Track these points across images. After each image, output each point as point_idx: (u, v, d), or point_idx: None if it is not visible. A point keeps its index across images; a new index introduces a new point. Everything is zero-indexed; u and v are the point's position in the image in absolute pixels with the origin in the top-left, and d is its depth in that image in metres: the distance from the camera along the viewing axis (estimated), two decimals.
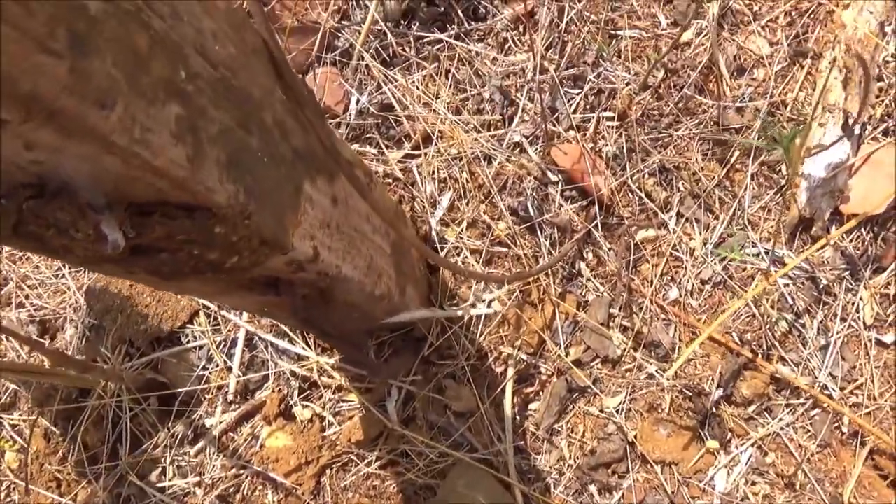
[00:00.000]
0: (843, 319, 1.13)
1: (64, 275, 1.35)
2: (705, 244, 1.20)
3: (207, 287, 0.67)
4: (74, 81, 0.34)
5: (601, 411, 1.14)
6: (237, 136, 0.52)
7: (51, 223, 0.41)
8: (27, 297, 1.36)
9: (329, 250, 0.71)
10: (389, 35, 1.34)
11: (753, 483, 1.08)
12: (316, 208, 0.68)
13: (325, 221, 0.70)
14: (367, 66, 1.33)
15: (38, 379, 1.13)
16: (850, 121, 1.14)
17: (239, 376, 1.19)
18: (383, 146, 1.30)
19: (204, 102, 0.47)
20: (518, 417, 1.14)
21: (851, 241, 1.16)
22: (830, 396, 1.10)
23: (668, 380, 1.09)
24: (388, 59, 1.34)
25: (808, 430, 1.10)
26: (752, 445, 1.10)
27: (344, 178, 0.75)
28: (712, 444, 1.10)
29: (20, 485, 1.28)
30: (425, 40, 1.34)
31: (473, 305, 1.13)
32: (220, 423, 1.17)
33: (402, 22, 1.35)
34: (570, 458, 1.11)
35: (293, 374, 1.19)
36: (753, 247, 1.18)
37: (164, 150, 0.41)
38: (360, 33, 1.33)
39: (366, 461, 1.11)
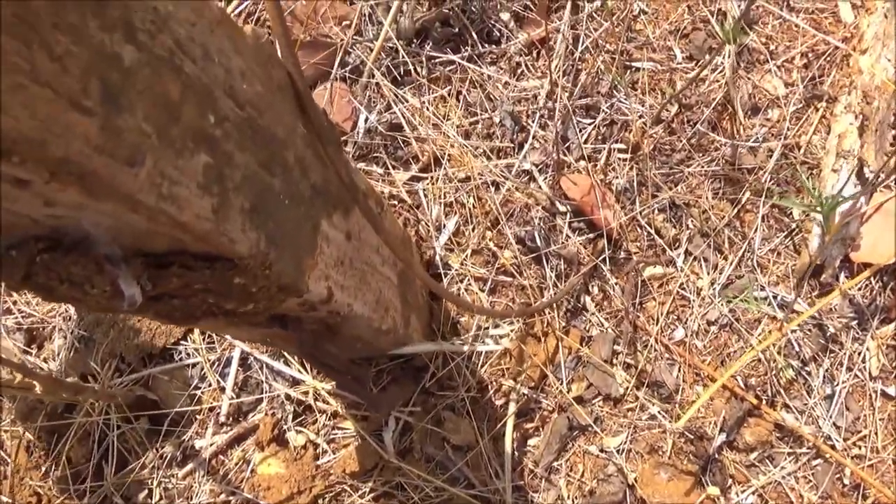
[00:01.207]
0: (849, 369, 1.12)
1: None
2: (713, 284, 1.18)
3: (218, 325, 0.64)
4: (105, 140, 0.31)
5: (601, 451, 1.11)
6: (261, 179, 0.49)
7: (63, 277, 0.38)
8: (14, 303, 1.32)
9: (342, 289, 0.68)
10: (401, 53, 1.31)
11: None
12: (331, 246, 0.65)
13: (339, 259, 0.67)
14: (377, 83, 1.30)
15: (22, 393, 1.09)
16: (865, 169, 1.13)
17: (232, 397, 1.16)
18: (390, 166, 1.28)
19: (231, 147, 0.44)
20: (517, 454, 1.11)
21: (860, 289, 1.15)
22: (833, 447, 1.08)
23: (675, 426, 1.07)
24: (398, 77, 1.32)
25: (810, 481, 1.08)
26: (753, 493, 1.08)
27: (358, 212, 0.73)
28: (713, 490, 1.08)
29: (2, 499, 1.24)
30: (437, 61, 1.32)
31: (478, 339, 1.11)
32: (211, 445, 1.13)
33: (415, 41, 1.33)
34: (568, 498, 1.09)
35: (288, 397, 1.16)
36: (762, 290, 1.16)
37: (191, 203, 0.39)
38: (371, 50, 1.30)
39: (359, 493, 1.08)
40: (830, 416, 1.09)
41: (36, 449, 1.21)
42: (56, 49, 0.28)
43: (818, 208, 0.85)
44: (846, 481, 1.08)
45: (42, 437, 1.22)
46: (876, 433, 1.09)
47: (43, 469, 1.20)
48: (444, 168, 1.26)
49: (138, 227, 0.38)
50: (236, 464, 1.12)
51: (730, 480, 1.09)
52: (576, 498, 1.08)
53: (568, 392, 1.15)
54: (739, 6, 1.31)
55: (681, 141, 1.26)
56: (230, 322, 0.61)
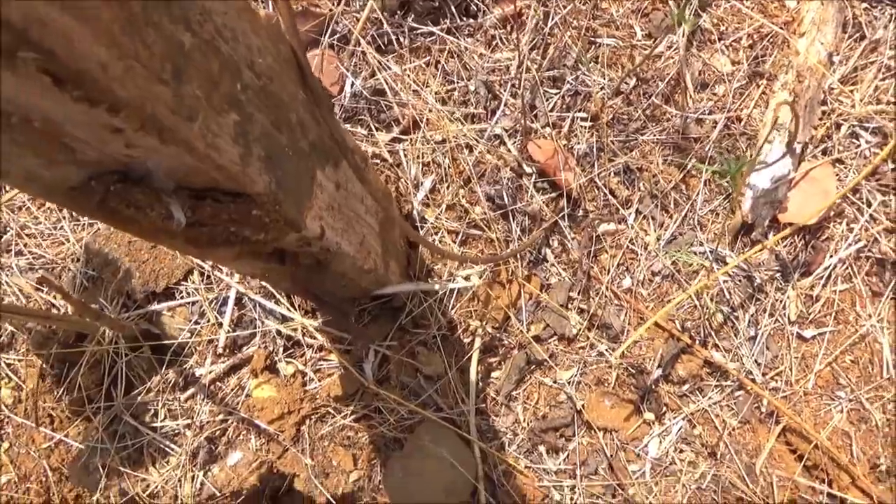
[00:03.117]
0: (772, 315, 1.28)
1: (63, 226, 1.43)
2: (658, 240, 1.33)
3: (229, 254, 0.77)
4: (175, 103, 0.44)
5: (555, 382, 1.28)
6: (272, 135, 0.62)
7: (131, 203, 0.51)
8: (26, 245, 1.44)
9: (332, 229, 0.82)
10: (385, 24, 1.43)
11: (681, 451, 1.24)
12: (324, 193, 0.79)
13: (330, 204, 0.81)
14: (363, 52, 1.42)
15: (39, 322, 1.22)
16: (797, 142, 1.28)
17: (228, 332, 1.30)
18: (373, 128, 1.41)
19: (252, 109, 0.57)
20: (481, 383, 1.27)
21: (786, 246, 1.31)
22: (754, 380, 1.25)
23: (616, 359, 1.23)
24: (382, 46, 1.43)
25: (732, 409, 1.25)
26: (683, 419, 1.25)
27: (346, 165, 0.86)
28: (649, 416, 1.25)
29: (14, 419, 1.37)
30: (418, 32, 1.44)
31: (450, 280, 1.25)
32: (210, 373, 1.27)
33: (399, 13, 1.45)
34: (524, 421, 1.25)
35: (279, 333, 1.30)
36: (700, 246, 1.32)
37: (227, 151, 0.52)
38: (358, 20, 1.41)
39: (342, 414, 1.24)
40: (753, 355, 1.26)
41: (49, 376, 1.35)
42: (147, 40, 0.41)
43: (728, 171, 1.00)
44: (763, 409, 1.25)
45: (55, 366, 1.35)
46: (791, 369, 1.26)
47: (56, 394, 1.33)
48: (423, 131, 1.39)
49: (187, 167, 0.51)
50: (232, 389, 1.27)
51: (664, 408, 1.26)
52: (530, 421, 1.25)
53: (527, 332, 1.30)
54: None
55: (637, 112, 1.40)
56: (240, 253, 0.75)
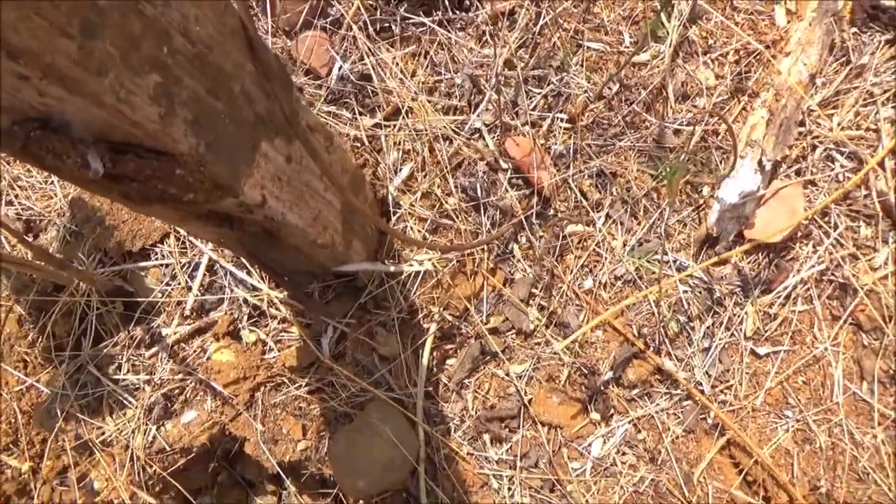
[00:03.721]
0: (728, 328, 1.29)
1: (53, 182, 1.48)
2: (625, 245, 1.35)
3: (171, 214, 0.81)
4: (81, 57, 0.48)
5: (507, 375, 1.30)
6: (205, 101, 0.66)
7: (49, 149, 0.55)
8: (17, 196, 1.50)
9: (277, 199, 0.85)
10: (379, 11, 1.46)
11: (623, 453, 1.26)
12: (270, 164, 0.82)
13: (276, 175, 0.84)
14: (354, 36, 1.45)
15: (18, 269, 1.27)
16: (764, 159, 1.29)
17: (197, 296, 1.34)
18: (357, 112, 1.44)
19: (180, 73, 0.61)
20: (435, 369, 1.30)
21: (749, 263, 1.32)
22: (702, 392, 1.27)
23: (561, 350, 1.26)
24: (374, 33, 1.46)
25: (678, 417, 1.27)
26: (629, 422, 1.27)
27: (299, 140, 0.89)
28: (595, 416, 1.27)
29: None
30: (410, 21, 1.47)
31: (407, 263, 1.29)
32: (175, 333, 1.32)
33: (392, 1, 1.48)
34: (472, 409, 1.28)
35: (246, 301, 1.34)
36: (665, 254, 1.34)
37: (142, 108, 0.55)
38: (352, 6, 1.45)
39: (296, 385, 1.28)
40: (704, 366, 1.28)
41: (26, 322, 1.40)
42: None
43: (664, 175, 1.02)
44: (709, 421, 1.27)
45: (31, 313, 1.41)
46: (741, 384, 1.27)
47: (30, 339, 1.39)
48: (405, 118, 1.42)
49: (102, 120, 0.54)
50: (194, 351, 1.31)
51: (612, 410, 1.28)
52: (478, 409, 1.28)
53: (486, 323, 1.33)
54: (687, 1, 1.45)
55: (617, 117, 1.41)
56: (180, 213, 0.78)
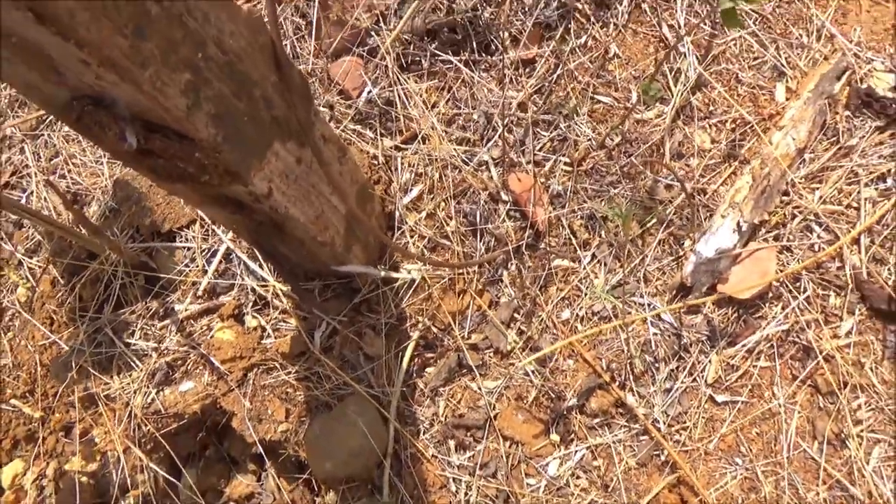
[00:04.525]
0: (690, 373, 1.38)
1: (103, 162, 1.65)
2: (605, 284, 1.45)
3: (191, 194, 0.95)
4: (131, 52, 0.62)
5: (479, 388, 1.40)
6: (229, 100, 0.80)
7: (96, 122, 0.69)
8: (69, 171, 1.67)
9: (283, 194, 0.99)
10: (412, 46, 1.61)
11: (578, 476, 1.34)
12: (280, 161, 0.96)
13: (284, 172, 0.97)
14: (386, 65, 1.60)
15: (60, 233, 1.43)
16: (741, 221, 1.38)
17: (211, 279, 1.48)
18: (379, 133, 1.58)
19: (209, 76, 0.75)
20: (413, 374, 1.41)
21: (719, 315, 1.40)
22: (659, 429, 1.35)
23: (531, 372, 1.35)
24: (404, 64, 1.61)
25: (633, 450, 1.35)
26: (587, 448, 1.35)
27: (311, 146, 1.03)
28: (555, 437, 1.36)
29: (23, 315, 1.58)
30: (439, 58, 1.61)
31: (395, 270, 1.41)
32: (186, 310, 1.45)
33: (425, 38, 1.63)
34: (442, 415, 1.38)
35: (253, 290, 1.47)
36: (641, 297, 1.43)
37: (173, 98, 0.69)
38: (388, 37, 1.60)
39: (286, 371, 1.39)
40: (664, 405, 1.36)
41: (58, 283, 1.56)
42: (119, 3, 0.59)
43: (619, 214, 1.13)
44: (662, 458, 1.34)
45: (64, 276, 1.56)
46: (696, 426, 1.35)
47: (59, 299, 1.54)
48: (421, 144, 1.56)
49: (141, 102, 0.68)
50: (200, 328, 1.44)
51: (572, 435, 1.37)
52: (447, 416, 1.37)
53: (467, 339, 1.43)
54: (694, 69, 1.56)
55: (615, 166, 1.53)
56: (199, 194, 0.92)
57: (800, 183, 1.46)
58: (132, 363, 1.42)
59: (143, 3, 0.62)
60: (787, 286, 1.40)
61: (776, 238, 1.44)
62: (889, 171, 1.45)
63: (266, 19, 0.86)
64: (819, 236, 1.43)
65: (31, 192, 1.65)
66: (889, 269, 1.40)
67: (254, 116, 0.86)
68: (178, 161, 0.77)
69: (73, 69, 0.63)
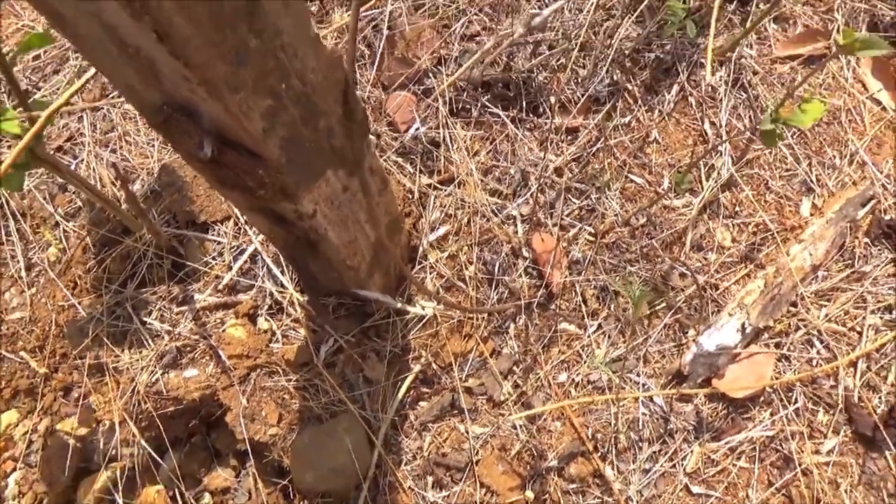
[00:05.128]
0: (671, 459, 1.41)
1: (154, 145, 1.73)
2: (605, 356, 1.50)
3: (242, 201, 1.01)
4: (228, 77, 0.69)
5: (466, 432, 1.44)
6: (298, 126, 0.86)
7: (179, 129, 0.76)
8: (121, 147, 1.75)
9: (325, 217, 1.05)
10: (465, 94, 1.69)
11: None
12: (328, 187, 1.02)
13: (330, 198, 1.04)
14: (437, 108, 1.68)
15: (103, 204, 1.49)
16: (747, 323, 1.43)
17: (234, 276, 1.54)
18: (419, 169, 1.65)
19: (287, 103, 0.81)
20: (407, 405, 1.45)
21: (709, 408, 1.44)
22: None
23: (519, 427, 1.39)
24: (454, 109, 1.69)
25: None
26: None
27: (358, 177, 1.09)
28: (530, 495, 1.39)
29: (49, 273, 1.65)
30: (488, 110, 1.69)
31: (410, 304, 1.46)
32: (205, 301, 1.51)
33: (479, 89, 1.70)
34: (426, 450, 1.42)
35: (271, 294, 1.53)
36: (638, 376, 1.47)
37: (253, 121, 0.76)
38: (445, 81, 1.68)
39: (286, 377, 1.44)
40: (640, 484, 1.39)
41: (90, 251, 1.62)
42: (225, 33, 0.66)
43: (635, 294, 1.18)
44: None
45: (96, 245, 1.63)
46: None
47: (87, 266, 1.61)
48: (455, 188, 1.62)
49: (224, 119, 0.75)
50: (214, 321, 1.50)
51: (546, 495, 1.40)
52: (431, 452, 1.42)
53: (464, 381, 1.48)
54: (728, 169, 1.63)
55: (636, 245, 1.58)
56: (249, 202, 0.99)
57: (809, 298, 1.51)
58: (145, 341, 1.47)
59: (246, 35, 0.69)
60: (779, 394, 1.44)
61: (777, 346, 1.48)
62: None
63: (344, 58, 0.93)
64: (819, 352, 1.47)
65: (82, 161, 1.73)
66: (880, 398, 1.44)
67: (316, 144, 0.93)
68: (242, 174, 0.84)
69: (174, 81, 0.70)
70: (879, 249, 1.56)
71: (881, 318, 1.50)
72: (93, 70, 1.14)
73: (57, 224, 1.70)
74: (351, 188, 1.10)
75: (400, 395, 1.42)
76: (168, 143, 0.84)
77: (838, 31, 1.80)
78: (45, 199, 1.72)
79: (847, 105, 1.72)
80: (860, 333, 1.49)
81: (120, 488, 1.50)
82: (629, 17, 1.72)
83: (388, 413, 1.42)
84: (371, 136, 1.67)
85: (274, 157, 0.83)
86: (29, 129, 1.03)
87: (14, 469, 1.61)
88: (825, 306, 1.51)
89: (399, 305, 1.43)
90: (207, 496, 1.56)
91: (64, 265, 1.65)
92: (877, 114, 1.72)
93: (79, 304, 1.59)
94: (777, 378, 1.44)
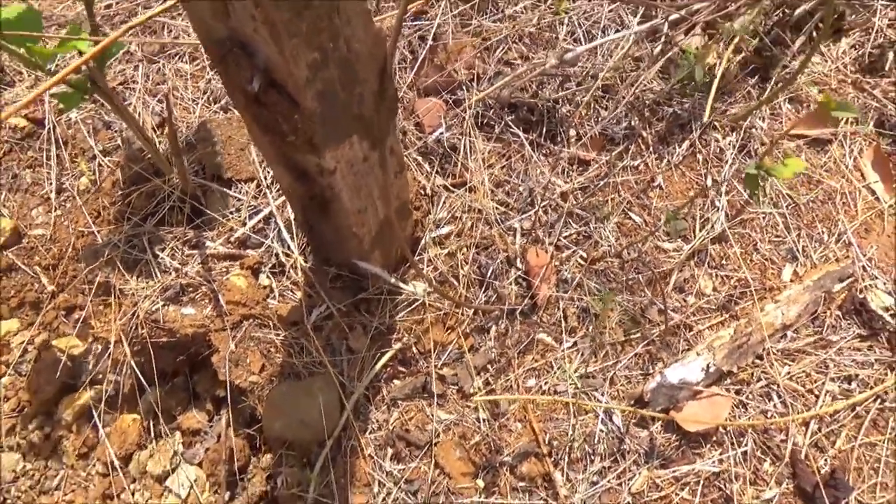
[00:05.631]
0: (619, 477, 1.48)
1: (198, 102, 1.86)
2: (576, 371, 1.58)
3: (271, 149, 1.12)
4: (289, 24, 0.80)
5: (432, 415, 1.52)
6: (335, 85, 0.98)
7: (236, 62, 0.87)
8: (167, 95, 1.87)
9: (343, 178, 1.16)
10: (492, 111, 1.81)
11: None
12: (351, 151, 1.13)
13: (350, 162, 1.15)
14: (463, 118, 1.80)
15: (142, 143, 1.61)
16: (712, 364, 1.51)
17: (246, 232, 1.64)
18: (436, 170, 1.76)
19: (330, 62, 0.93)
20: (382, 380, 1.54)
21: (663, 438, 1.52)
22: None
23: (475, 399, 1.48)
24: (479, 122, 1.81)
25: None
26: None
27: (379, 152, 1.20)
28: (480, 483, 1.46)
29: (77, 201, 1.76)
30: (510, 129, 1.81)
31: (403, 282, 1.56)
32: (215, 248, 1.62)
33: (506, 108, 1.83)
34: (391, 424, 1.50)
35: (277, 255, 1.63)
36: (602, 395, 1.56)
37: (299, 68, 0.87)
38: (475, 96, 1.81)
39: (275, 331, 1.54)
40: (585, 494, 1.46)
41: (118, 185, 1.74)
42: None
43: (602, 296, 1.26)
44: None
45: (126, 181, 1.74)
46: None
47: (113, 199, 1.72)
48: (466, 193, 1.73)
49: (277, 60, 0.86)
50: (220, 268, 1.60)
51: (496, 487, 1.47)
52: (395, 426, 1.50)
53: (439, 369, 1.57)
54: (721, 224, 1.73)
55: (623, 277, 1.68)
56: (277, 150, 1.10)
57: (775, 354, 1.59)
58: (153, 273, 1.57)
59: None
60: (731, 436, 1.52)
61: (737, 392, 1.56)
62: (856, 375, 1.58)
63: (388, 41, 1.05)
64: (775, 405, 1.55)
65: (130, 104, 1.85)
66: (826, 460, 1.51)
67: (347, 107, 1.04)
68: (278, 117, 0.95)
69: (241, 18, 0.82)
70: (849, 324, 1.65)
71: (839, 386, 1.58)
72: (155, 8, 1.26)
73: (94, 157, 1.81)
74: (370, 160, 1.21)
75: (377, 367, 1.51)
76: (221, 78, 0.95)
77: (847, 121, 1.91)
78: (88, 132, 1.84)
79: (843, 189, 1.83)
80: (817, 396, 1.56)
81: (101, 409, 1.59)
82: (654, 68, 1.85)
83: (363, 381, 1.50)
84: (398, 125, 1.79)
85: (310, 106, 0.95)
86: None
87: (4, 374, 1.70)
88: (788, 365, 1.59)
89: (393, 281, 1.53)
90: (178, 434, 1.64)
91: (92, 195, 1.76)
92: (870, 202, 1.82)
93: (98, 232, 1.70)
94: (732, 420, 1.52)
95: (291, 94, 0.93)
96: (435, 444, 1.49)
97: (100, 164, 1.80)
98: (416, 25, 1.91)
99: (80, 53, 1.22)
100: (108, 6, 2.05)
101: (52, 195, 1.78)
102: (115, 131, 1.84)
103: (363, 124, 1.11)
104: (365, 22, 0.96)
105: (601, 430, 1.52)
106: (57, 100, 1.21)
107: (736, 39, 1.84)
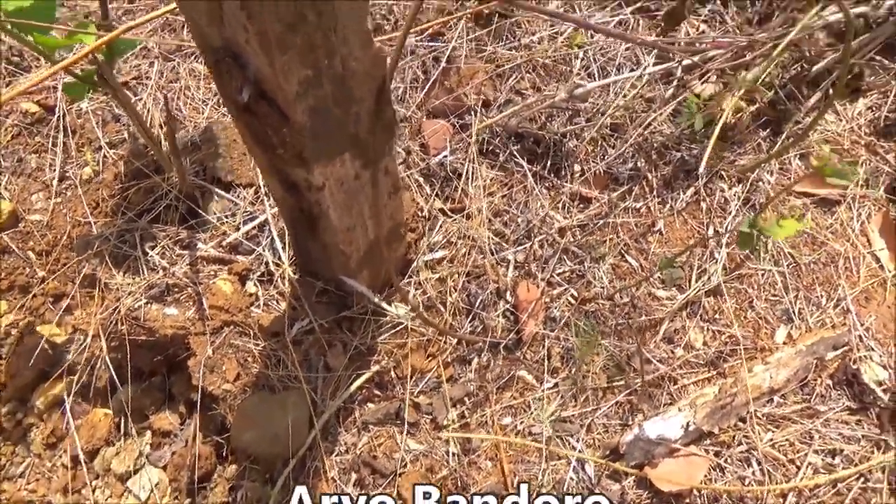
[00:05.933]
0: None
1: (207, 103, 1.86)
2: (553, 414, 1.55)
3: (262, 159, 1.12)
4: (280, 38, 0.79)
5: (401, 444, 1.49)
6: (328, 102, 0.97)
7: (227, 70, 0.87)
8: (179, 98, 1.88)
9: (331, 194, 1.15)
10: (498, 139, 1.80)
11: None
12: (342, 169, 1.12)
13: (340, 179, 1.14)
14: (468, 144, 1.79)
15: (146, 139, 1.61)
16: (692, 422, 1.48)
17: (239, 238, 1.64)
18: (436, 193, 1.75)
19: (324, 79, 0.92)
20: (356, 402, 1.52)
21: (634, 494, 1.48)
22: None
23: (446, 434, 1.45)
24: (484, 149, 1.80)
25: None
26: None
27: (373, 172, 1.19)
28: None
29: (78, 190, 1.76)
30: (515, 159, 1.80)
31: (387, 303, 1.54)
32: (206, 251, 1.61)
33: (512, 138, 1.82)
34: (359, 448, 1.47)
35: (267, 264, 1.62)
36: (578, 442, 1.52)
37: (290, 83, 0.87)
38: (483, 122, 1.80)
39: (255, 341, 1.52)
40: None
41: (119, 178, 1.74)
42: (289, 1, 0.77)
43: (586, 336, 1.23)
44: None
45: (127, 175, 1.75)
46: None
47: (112, 192, 1.72)
48: (463, 219, 1.72)
49: (265, 72, 0.86)
50: (208, 272, 1.59)
51: None
52: (362, 453, 1.47)
53: (415, 397, 1.54)
54: (718, 277, 1.70)
55: (612, 321, 1.65)
56: (268, 161, 1.09)
57: (758, 418, 1.55)
58: (140, 270, 1.57)
59: (303, 11, 0.80)
60: (705, 500, 1.47)
61: (716, 454, 1.52)
62: (841, 450, 1.54)
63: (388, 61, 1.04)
64: (754, 472, 1.51)
65: (140, 99, 1.86)
66: None
67: (342, 124, 1.03)
68: (268, 128, 0.94)
69: (234, 28, 0.81)
70: (839, 395, 1.60)
71: (823, 459, 1.53)
72: (165, 7, 1.26)
73: (100, 148, 1.82)
74: (362, 178, 1.20)
75: (353, 388, 1.49)
76: (216, 84, 0.95)
77: (857, 184, 1.88)
78: (97, 123, 1.85)
79: (847, 253, 1.79)
80: (799, 468, 1.52)
81: (71, 401, 1.58)
82: (665, 111, 1.83)
83: (336, 401, 1.48)
84: (401, 150, 1.78)
85: (300, 120, 0.94)
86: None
87: None
88: (772, 431, 1.55)
89: (377, 301, 1.51)
90: (149, 434, 1.62)
91: (93, 186, 1.77)
92: (873, 269, 1.79)
93: (94, 223, 1.70)
94: (707, 484, 1.48)
95: (281, 107, 0.92)
96: (400, 475, 1.46)
97: (105, 156, 1.80)
98: (431, 46, 1.91)
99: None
100: (132, 0, 2.07)
101: (54, 182, 1.78)
102: (123, 125, 1.84)
103: (357, 143, 1.10)
104: (363, 41, 0.95)
105: (571, 479, 1.48)
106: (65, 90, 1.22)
107: (742, 91, 1.82)
